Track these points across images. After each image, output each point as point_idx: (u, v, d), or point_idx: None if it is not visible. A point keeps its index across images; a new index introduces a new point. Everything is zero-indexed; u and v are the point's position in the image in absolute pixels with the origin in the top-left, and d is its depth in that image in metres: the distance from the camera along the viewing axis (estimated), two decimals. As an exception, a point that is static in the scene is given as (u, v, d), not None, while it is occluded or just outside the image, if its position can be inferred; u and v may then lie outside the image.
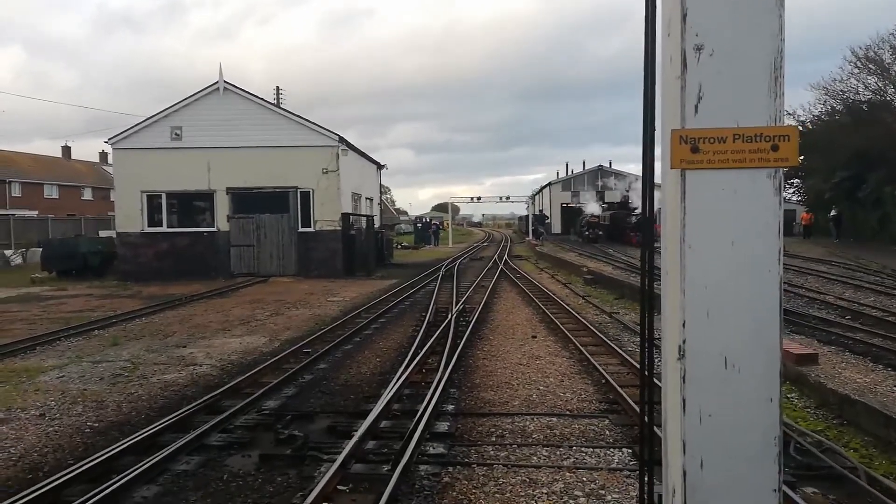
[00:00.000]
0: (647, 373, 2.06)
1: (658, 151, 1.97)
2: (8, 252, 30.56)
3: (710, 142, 1.77)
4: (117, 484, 5.03)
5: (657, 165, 1.98)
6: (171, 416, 6.76)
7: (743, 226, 1.78)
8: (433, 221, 61.82)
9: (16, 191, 50.10)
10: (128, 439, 6.09)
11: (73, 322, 13.40)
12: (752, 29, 1.75)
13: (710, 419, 1.79)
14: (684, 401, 1.80)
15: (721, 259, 1.78)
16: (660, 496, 1.97)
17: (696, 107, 1.78)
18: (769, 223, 1.78)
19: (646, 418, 2.10)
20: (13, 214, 39.75)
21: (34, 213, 44.25)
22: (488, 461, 5.63)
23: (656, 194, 1.99)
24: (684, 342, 1.80)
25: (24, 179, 51.27)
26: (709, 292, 1.79)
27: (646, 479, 2.09)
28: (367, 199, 31.06)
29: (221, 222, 24.01)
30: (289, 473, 5.47)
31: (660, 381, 2.17)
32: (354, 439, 5.85)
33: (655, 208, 2.06)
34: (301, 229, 23.94)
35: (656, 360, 4.02)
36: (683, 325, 1.79)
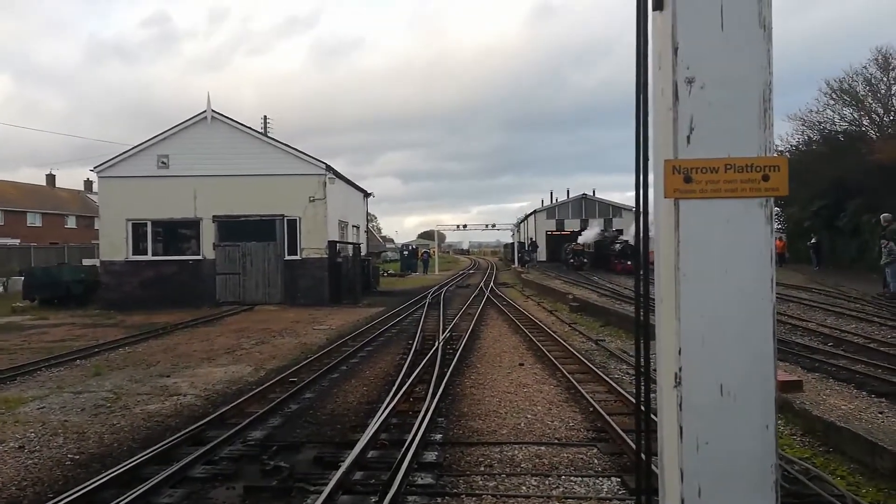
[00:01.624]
0: (642, 399, 2.09)
1: (642, 180, 2.03)
2: (-12, 281, 30.13)
3: (703, 172, 1.82)
4: (99, 518, 4.92)
5: (647, 196, 2.03)
6: (153, 448, 6.65)
7: (736, 254, 1.82)
8: (423, 250, 61.89)
9: (-2, 219, 49.57)
10: (109, 472, 5.97)
11: (54, 352, 13.19)
12: (741, 62, 1.81)
13: (708, 447, 1.81)
14: (681, 428, 1.81)
15: (715, 287, 1.82)
16: None
17: (689, 137, 1.83)
18: (762, 251, 1.83)
19: (643, 447, 2.12)
20: (-6, 242, 39.29)
21: (16, 242, 43.74)
22: (477, 491, 5.59)
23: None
24: (680, 369, 1.82)
25: (7, 207, 50.81)
26: (704, 320, 1.82)
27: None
28: (353, 226, 31.09)
29: (207, 250, 23.89)
30: (275, 506, 5.39)
31: (654, 411, 2.19)
32: (342, 470, 5.78)
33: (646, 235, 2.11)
34: (287, 257, 23.88)
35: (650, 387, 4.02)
36: (679, 352, 1.82)
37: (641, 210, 2.04)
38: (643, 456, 2.15)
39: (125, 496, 5.32)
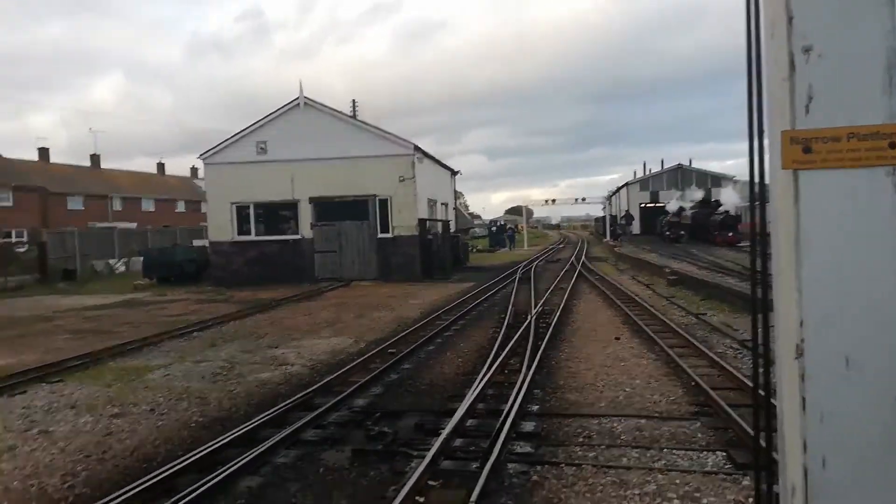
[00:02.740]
0: (761, 374, 2.05)
1: (757, 151, 1.97)
2: (112, 261, 32.84)
3: (823, 142, 1.76)
4: (224, 474, 5.36)
5: (762, 168, 1.97)
6: (268, 413, 7.12)
7: (860, 224, 1.76)
8: (508, 225, 61.67)
9: (117, 205, 53.84)
10: (230, 433, 6.46)
11: (174, 325, 14.29)
12: (861, 28, 1.72)
13: (832, 418, 1.78)
14: (804, 400, 1.79)
15: (838, 258, 1.77)
16: (776, 495, 1.96)
17: (807, 107, 1.77)
18: (887, 220, 1.76)
19: (761, 430, 2.09)
20: (116, 227, 42.72)
21: (133, 226, 47.38)
22: (577, 461, 5.62)
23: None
24: (802, 341, 1.79)
25: (125, 194, 55.01)
26: (826, 292, 1.78)
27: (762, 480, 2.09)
28: (442, 204, 31.42)
29: (305, 230, 24.93)
30: (381, 468, 5.65)
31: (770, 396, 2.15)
32: (442, 437, 5.97)
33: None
34: (380, 235, 24.52)
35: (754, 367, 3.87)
36: (801, 324, 1.79)
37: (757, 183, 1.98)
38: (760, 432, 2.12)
39: (246, 455, 5.75)
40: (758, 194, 2.06)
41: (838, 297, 1.79)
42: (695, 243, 39.53)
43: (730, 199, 42.82)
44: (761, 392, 2.12)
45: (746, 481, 5.09)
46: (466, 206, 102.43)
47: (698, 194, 48.87)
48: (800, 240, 1.80)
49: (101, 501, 4.90)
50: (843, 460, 1.79)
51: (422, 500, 4.92)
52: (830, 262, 1.79)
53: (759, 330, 2.08)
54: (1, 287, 25.70)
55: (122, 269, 32.34)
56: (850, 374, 1.79)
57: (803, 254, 1.80)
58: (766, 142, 1.94)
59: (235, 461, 5.61)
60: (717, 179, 60.73)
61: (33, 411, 7.75)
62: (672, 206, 49.32)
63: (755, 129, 1.98)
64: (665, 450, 5.84)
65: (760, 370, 2.16)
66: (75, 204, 50.24)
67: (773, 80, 1.85)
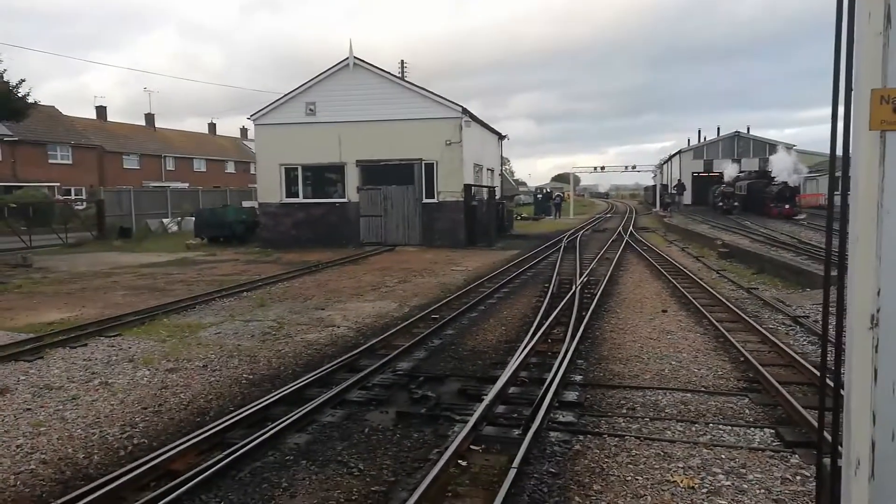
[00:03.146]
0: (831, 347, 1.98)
1: (842, 113, 1.86)
2: (166, 220, 33.88)
3: None
4: (273, 430, 5.53)
5: (847, 130, 1.86)
6: (315, 372, 7.30)
7: None
8: (556, 193, 60.87)
9: (170, 165, 55.30)
10: (279, 391, 6.66)
11: (224, 284, 14.71)
12: None
13: None
14: (876, 371, 1.73)
15: None
16: (837, 469, 1.91)
17: None
18: None
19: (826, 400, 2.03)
20: (169, 186, 43.97)
21: (185, 185, 48.67)
22: (619, 432, 5.60)
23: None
24: (878, 311, 1.72)
25: (177, 154, 56.39)
26: None
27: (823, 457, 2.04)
28: (488, 170, 31.16)
29: (351, 193, 25.13)
30: (424, 431, 5.75)
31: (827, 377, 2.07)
32: (485, 403, 6.02)
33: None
34: (425, 200, 24.52)
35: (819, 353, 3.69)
36: (878, 293, 1.72)
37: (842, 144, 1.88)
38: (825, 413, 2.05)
39: (295, 413, 5.92)
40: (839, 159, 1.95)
41: None
42: (749, 215, 38.34)
43: (782, 164, 41.13)
44: (829, 366, 2.06)
45: (795, 459, 4.99)
46: (512, 173, 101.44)
47: (753, 163, 47.15)
48: (882, 205, 1.73)
49: (158, 452, 5.14)
50: None
51: (464, 463, 4.99)
52: None
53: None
54: (62, 243, 26.86)
55: (175, 228, 33.33)
56: None
57: (885, 220, 1.73)
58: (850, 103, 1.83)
59: (284, 418, 5.79)
60: (776, 148, 58.39)
61: (94, 363, 8.13)
62: (726, 175, 47.78)
63: (841, 88, 1.88)
64: (711, 424, 5.76)
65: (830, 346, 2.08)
66: (131, 163, 51.83)
67: (865, 34, 1.75)
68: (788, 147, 59.85)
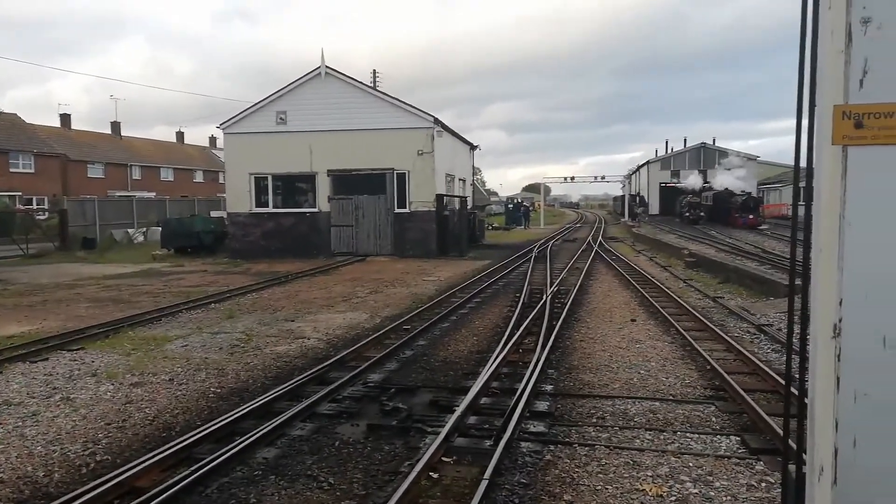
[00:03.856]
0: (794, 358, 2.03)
1: (806, 127, 1.92)
2: (131, 230, 33.21)
3: (876, 117, 1.74)
4: (241, 445, 5.44)
5: (811, 143, 1.93)
6: (284, 385, 7.21)
7: None
8: (525, 203, 61.35)
9: (136, 174, 54.26)
10: (247, 405, 6.55)
11: (192, 296, 14.46)
12: None
13: (866, 399, 1.78)
14: (838, 379, 1.79)
15: (883, 237, 1.75)
16: (802, 476, 1.96)
17: (861, 81, 1.74)
18: None
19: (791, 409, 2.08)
20: (135, 196, 43.14)
21: (152, 195, 47.81)
22: (589, 442, 5.64)
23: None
24: (840, 321, 1.78)
25: (144, 163, 55.39)
26: (869, 271, 1.76)
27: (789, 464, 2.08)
28: (460, 179, 31.28)
29: (322, 203, 24.98)
30: (395, 443, 5.72)
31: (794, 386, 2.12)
32: (457, 414, 6.02)
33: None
34: (397, 210, 24.50)
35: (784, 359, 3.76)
36: (840, 303, 1.77)
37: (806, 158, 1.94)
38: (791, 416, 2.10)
39: (264, 426, 5.84)
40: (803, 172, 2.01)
41: (880, 276, 1.78)
42: (714, 225, 39.13)
43: (722, 181, 42.57)
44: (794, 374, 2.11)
45: (760, 466, 5.09)
46: (483, 183, 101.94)
47: (716, 174, 48.26)
48: (844, 217, 1.79)
49: (122, 468, 5.01)
50: (874, 442, 1.80)
51: (435, 475, 4.97)
52: (874, 241, 1.78)
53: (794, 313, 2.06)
54: (22, 254, 26.13)
55: (141, 238, 32.69)
56: (888, 354, 1.79)
57: (847, 231, 1.79)
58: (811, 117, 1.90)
59: (252, 432, 5.70)
60: (741, 159, 59.80)
61: (55, 378, 7.91)
62: (690, 185, 48.77)
63: (805, 103, 1.95)
64: (679, 433, 5.84)
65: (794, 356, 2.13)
66: (95, 172, 50.72)
67: (827, 52, 1.81)
68: (755, 158, 61.38)
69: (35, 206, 39.82)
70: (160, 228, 28.42)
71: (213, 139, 66.48)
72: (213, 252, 26.00)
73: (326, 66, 24.62)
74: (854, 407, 1.79)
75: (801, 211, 1.98)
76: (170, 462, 5.23)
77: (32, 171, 43.77)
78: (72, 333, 10.32)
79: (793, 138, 2.00)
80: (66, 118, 53.12)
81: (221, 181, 45.31)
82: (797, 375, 4.61)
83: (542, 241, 31.27)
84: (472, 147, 35.81)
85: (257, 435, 5.65)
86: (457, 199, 27.94)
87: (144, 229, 33.53)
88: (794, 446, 2.10)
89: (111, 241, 30.47)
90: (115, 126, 57.07)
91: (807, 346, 2.03)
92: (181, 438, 5.64)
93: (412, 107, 24.79)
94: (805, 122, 1.96)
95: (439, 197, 24.70)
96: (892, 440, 1.77)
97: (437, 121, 24.66)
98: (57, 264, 23.23)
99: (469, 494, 4.55)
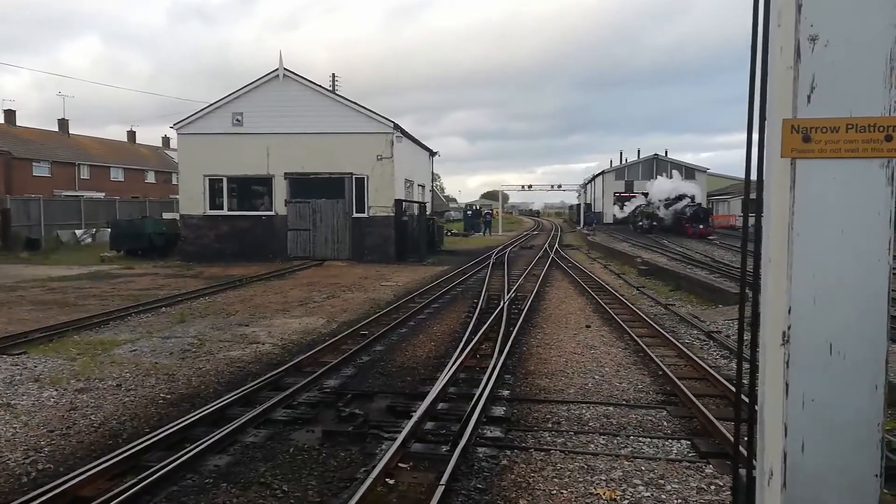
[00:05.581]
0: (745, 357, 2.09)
1: (757, 140, 1.99)
2: (79, 231, 32.08)
3: (823, 131, 1.80)
4: (192, 452, 5.30)
5: (761, 156, 2.00)
6: (237, 391, 7.06)
7: (853, 215, 1.80)
8: (485, 210, 61.68)
9: (84, 173, 52.42)
10: (199, 411, 6.39)
11: (142, 299, 14.04)
12: (867, 20, 1.75)
13: (814, 404, 1.83)
14: (787, 385, 1.84)
15: (829, 247, 1.81)
16: (752, 479, 2.01)
17: (809, 97, 1.81)
18: (880, 213, 1.80)
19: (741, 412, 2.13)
20: (83, 195, 41.69)
21: (101, 195, 46.28)
22: (545, 446, 5.69)
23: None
24: (789, 328, 1.84)
25: (93, 162, 53.59)
26: (816, 280, 1.82)
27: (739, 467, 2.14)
28: (419, 185, 31.28)
29: (279, 206, 24.62)
30: (351, 449, 5.66)
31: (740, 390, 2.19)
32: (413, 419, 5.99)
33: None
34: (356, 214, 24.34)
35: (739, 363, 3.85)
36: (789, 311, 1.83)
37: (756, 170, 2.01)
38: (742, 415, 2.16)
39: (215, 434, 5.70)
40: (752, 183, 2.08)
41: (827, 285, 1.84)
42: (667, 234, 40.10)
43: (658, 191, 44.04)
44: (744, 381, 2.17)
45: (709, 469, 5.22)
46: (442, 189, 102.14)
47: (669, 181, 49.58)
48: (793, 227, 1.84)
49: (65, 478, 4.82)
50: (822, 445, 1.85)
51: (392, 482, 4.94)
52: (821, 251, 1.84)
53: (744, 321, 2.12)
54: (-39, 254, 24.95)
55: (89, 240, 31.60)
56: (833, 361, 1.84)
57: (795, 242, 1.84)
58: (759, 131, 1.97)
59: (204, 439, 5.57)
60: (692, 171, 61.54)
61: (-6, 383, 7.57)
62: (641, 198, 49.98)
63: (755, 117, 2.01)
64: (632, 437, 5.95)
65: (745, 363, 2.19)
66: (41, 170, 48.79)
67: (777, 68, 1.88)
68: (704, 170, 63.18)
69: (-26, 205, 38.08)
70: (109, 230, 27.53)
71: (166, 139, 64.82)
72: (165, 255, 25.32)
73: (285, 69, 24.34)
74: (802, 412, 1.84)
75: (752, 221, 2.05)
76: (116, 470, 5.06)
77: (-28, 168, 41.85)
78: (13, 337, 9.90)
79: (742, 151, 2.07)
80: (10, 114, 51.00)
81: (175, 182, 44.19)
82: (747, 382, 4.74)
83: (500, 247, 31.50)
84: (432, 153, 35.89)
85: (209, 442, 5.52)
86: (416, 205, 27.93)
87: (93, 230, 32.44)
88: (745, 451, 2.16)
89: (57, 242, 29.36)
90: (63, 124, 55.07)
91: (757, 353, 2.09)
92: (129, 446, 5.47)
93: (372, 111, 24.70)
94: (756, 136, 2.02)
95: (398, 202, 24.65)
96: (839, 444, 1.83)
97: (396, 126, 24.63)
98: (-3, 265, 22.25)
99: (425, 500, 4.54)
